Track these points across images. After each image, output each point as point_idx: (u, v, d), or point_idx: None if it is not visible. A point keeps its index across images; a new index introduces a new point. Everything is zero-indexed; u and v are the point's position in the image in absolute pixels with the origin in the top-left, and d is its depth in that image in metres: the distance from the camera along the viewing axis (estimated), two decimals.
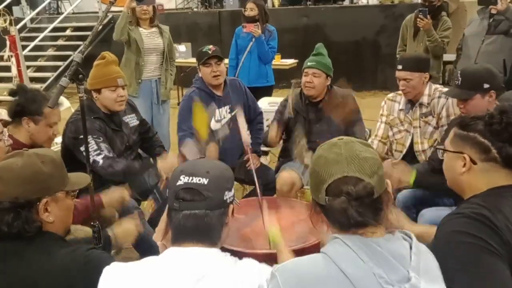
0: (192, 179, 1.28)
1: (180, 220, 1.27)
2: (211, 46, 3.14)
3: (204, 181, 1.28)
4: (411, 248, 1.19)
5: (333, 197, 1.19)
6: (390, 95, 3.12)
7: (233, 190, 1.36)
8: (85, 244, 1.60)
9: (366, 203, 1.18)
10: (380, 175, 1.21)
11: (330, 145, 1.26)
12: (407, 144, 2.97)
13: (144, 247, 2.49)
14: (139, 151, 3.14)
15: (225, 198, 1.32)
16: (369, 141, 3.08)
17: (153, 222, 2.49)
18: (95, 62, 2.78)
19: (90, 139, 2.56)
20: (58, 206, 1.50)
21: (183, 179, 1.29)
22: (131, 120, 2.99)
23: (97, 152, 2.59)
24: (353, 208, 1.16)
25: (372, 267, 1.12)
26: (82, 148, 2.38)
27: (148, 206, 2.71)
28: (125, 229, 2.14)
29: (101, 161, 2.59)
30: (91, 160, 2.51)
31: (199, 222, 1.27)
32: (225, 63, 3.37)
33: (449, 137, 1.58)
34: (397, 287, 1.11)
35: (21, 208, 1.40)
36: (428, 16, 4.25)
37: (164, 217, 1.41)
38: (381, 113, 3.12)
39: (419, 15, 4.29)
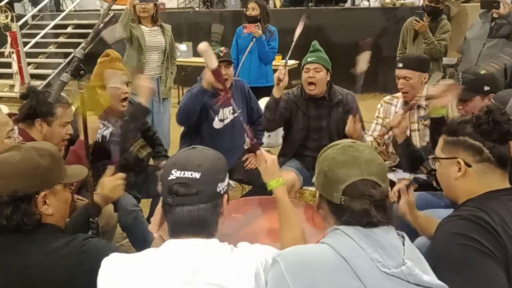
0: (184, 173, 1.27)
1: (175, 215, 1.28)
2: (223, 48, 3.15)
3: (197, 175, 1.27)
4: (403, 244, 1.24)
5: (351, 198, 1.24)
6: (387, 97, 3.13)
7: (226, 179, 1.35)
8: (82, 233, 1.58)
9: (380, 205, 1.24)
10: (387, 179, 1.31)
11: (344, 147, 1.32)
12: None
13: (143, 244, 2.50)
14: None
15: (218, 190, 1.30)
16: (365, 137, 3.09)
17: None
18: (99, 60, 2.80)
19: None
20: (57, 199, 1.51)
21: (175, 173, 1.28)
22: None
23: (104, 128, 2.67)
24: (374, 209, 1.22)
25: (370, 253, 1.17)
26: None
27: None
28: (111, 186, 2.04)
29: (108, 136, 2.69)
30: (99, 137, 2.68)
31: (193, 216, 1.27)
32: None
33: (439, 146, 1.60)
34: (394, 270, 1.15)
35: (20, 201, 1.41)
36: (424, 18, 4.26)
37: (158, 208, 1.40)
38: (377, 115, 3.13)
39: (415, 18, 4.30)
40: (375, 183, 1.25)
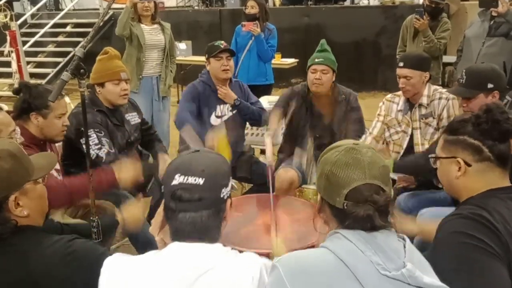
0: (187, 179, 1.24)
1: (178, 221, 1.26)
2: (223, 42, 3.21)
3: (200, 181, 1.24)
4: (404, 246, 1.22)
5: (354, 203, 1.21)
6: (389, 96, 3.13)
7: (230, 185, 1.33)
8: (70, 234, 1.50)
9: (383, 210, 1.21)
10: (390, 182, 1.27)
11: (347, 149, 1.26)
12: (405, 145, 2.98)
13: (142, 243, 2.50)
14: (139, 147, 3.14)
15: (221, 196, 1.28)
16: (363, 137, 3.09)
17: (151, 216, 2.49)
18: (98, 57, 2.80)
19: (91, 132, 2.58)
20: (29, 198, 1.42)
21: (178, 179, 1.25)
22: (133, 118, 2.99)
23: (98, 146, 2.59)
24: (377, 215, 1.20)
25: (370, 256, 1.15)
26: (83, 140, 2.39)
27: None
28: (133, 214, 2.14)
29: (104, 157, 2.59)
30: (94, 155, 2.55)
31: (196, 223, 1.25)
32: None
33: (439, 144, 1.60)
34: (394, 273, 1.13)
35: None
36: (424, 17, 4.26)
37: (160, 211, 1.37)
38: (379, 113, 3.12)
39: (415, 16, 4.31)
40: (379, 187, 1.22)
